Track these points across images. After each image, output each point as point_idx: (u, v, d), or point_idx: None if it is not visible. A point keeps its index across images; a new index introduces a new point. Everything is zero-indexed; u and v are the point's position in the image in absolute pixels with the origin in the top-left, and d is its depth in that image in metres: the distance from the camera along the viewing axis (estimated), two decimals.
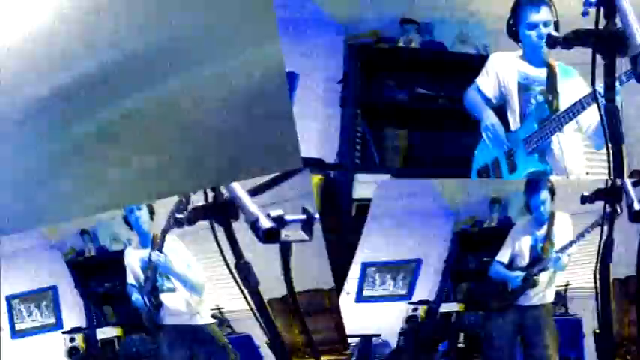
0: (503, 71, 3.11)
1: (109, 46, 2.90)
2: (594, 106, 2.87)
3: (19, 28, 2.90)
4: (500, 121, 3.08)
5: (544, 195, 3.08)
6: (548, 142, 3.00)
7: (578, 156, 3.08)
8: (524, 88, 3.07)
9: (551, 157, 3.03)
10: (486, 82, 3.12)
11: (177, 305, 3.09)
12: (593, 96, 2.81)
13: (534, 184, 3.08)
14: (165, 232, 2.96)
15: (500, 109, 3.12)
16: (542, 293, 3.09)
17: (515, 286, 3.09)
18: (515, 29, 3.04)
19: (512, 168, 3.07)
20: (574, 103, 2.92)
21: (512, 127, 3.09)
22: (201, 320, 3.11)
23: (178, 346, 3.09)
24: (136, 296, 3.08)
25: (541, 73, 3.06)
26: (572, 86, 3.03)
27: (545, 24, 2.98)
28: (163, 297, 3.07)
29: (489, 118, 3.05)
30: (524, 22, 3.02)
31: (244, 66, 2.89)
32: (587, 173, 3.16)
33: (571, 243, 3.02)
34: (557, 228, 3.07)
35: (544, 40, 2.98)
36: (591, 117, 2.92)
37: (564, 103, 3.01)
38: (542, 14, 2.98)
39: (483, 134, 3.07)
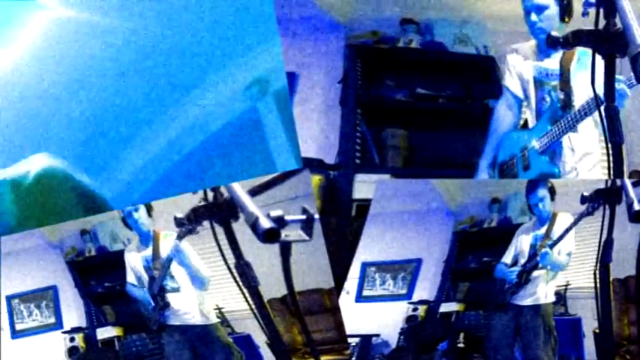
0: (519, 66, 3.08)
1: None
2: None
3: None
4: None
5: (542, 192, 3.07)
6: (560, 142, 2.99)
7: (592, 155, 3.05)
8: (538, 83, 3.05)
9: (562, 157, 3.02)
10: (512, 82, 3.11)
11: (182, 305, 3.08)
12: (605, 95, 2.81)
13: (533, 182, 3.08)
14: (179, 238, 2.95)
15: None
16: (539, 293, 3.08)
17: (510, 282, 3.09)
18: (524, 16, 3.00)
19: (526, 166, 3.05)
20: (583, 104, 2.89)
21: (530, 125, 3.07)
22: (206, 320, 3.11)
23: (182, 346, 3.09)
24: (139, 293, 3.08)
25: (553, 64, 3.01)
26: (585, 77, 2.99)
27: (539, 9, 2.92)
28: (168, 297, 3.07)
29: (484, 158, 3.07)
30: (523, 7, 2.97)
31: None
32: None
33: (560, 238, 3.01)
34: (558, 228, 3.06)
35: (538, 26, 2.93)
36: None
37: (579, 97, 2.97)
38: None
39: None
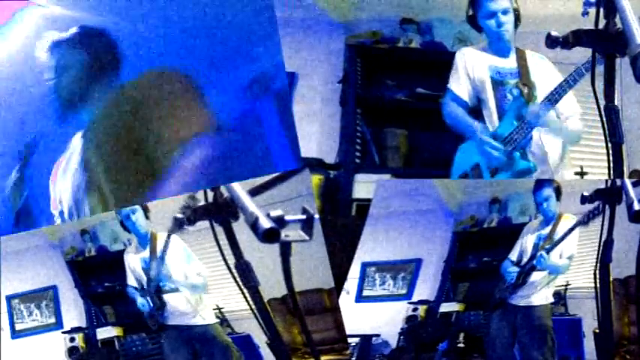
0: (473, 68, 3.11)
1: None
2: (569, 95, 2.91)
3: None
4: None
5: (547, 192, 3.07)
6: (529, 138, 3.00)
7: (559, 147, 3.07)
8: (498, 84, 3.08)
9: (532, 152, 3.03)
10: (459, 86, 3.13)
11: (180, 305, 3.08)
12: (568, 82, 2.83)
13: (540, 181, 3.08)
14: (169, 235, 2.95)
15: (477, 110, 3.13)
16: (537, 294, 3.08)
17: (510, 281, 3.09)
18: (475, 20, 3.06)
19: (493, 171, 3.07)
20: (550, 93, 2.93)
21: (490, 127, 3.08)
22: (204, 320, 3.11)
23: (181, 346, 3.09)
24: (140, 300, 3.08)
25: (511, 63, 3.08)
26: (544, 70, 3.04)
27: (504, 12, 3.03)
28: (166, 297, 3.07)
29: (484, 137, 3.06)
30: (482, 11, 3.04)
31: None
32: (586, 173, 3.16)
33: (556, 243, 3.02)
34: (561, 230, 3.06)
35: (504, 29, 3.01)
36: (569, 106, 2.94)
37: (541, 90, 3.01)
38: (500, 2, 3.01)
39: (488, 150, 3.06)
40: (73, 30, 2.82)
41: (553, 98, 2.91)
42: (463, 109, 3.12)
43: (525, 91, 3.02)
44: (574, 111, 3.02)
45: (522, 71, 3.05)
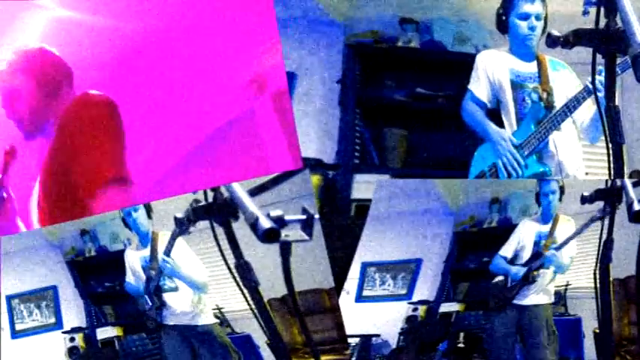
0: (493, 70, 3.11)
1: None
2: (588, 100, 2.91)
3: None
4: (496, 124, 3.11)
5: (554, 185, 3.07)
6: (546, 142, 3.01)
7: (574, 152, 3.08)
8: (517, 86, 3.08)
9: (549, 156, 3.04)
10: (479, 87, 3.13)
11: (180, 305, 3.09)
12: (588, 90, 2.85)
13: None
14: (174, 236, 2.95)
15: (496, 111, 3.13)
16: (541, 293, 3.08)
17: (515, 280, 3.08)
18: (505, 19, 3.05)
19: (509, 173, 3.08)
20: (570, 100, 2.94)
21: (508, 129, 3.09)
22: (204, 320, 3.11)
23: (181, 346, 3.09)
24: (137, 292, 3.09)
25: (531, 68, 3.08)
26: (564, 80, 3.05)
27: (537, 17, 3.01)
28: (166, 297, 3.08)
29: (500, 138, 3.06)
30: (515, 11, 3.03)
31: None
32: (586, 173, 3.16)
33: (567, 241, 3.02)
34: (560, 231, 3.06)
35: (534, 33, 3.02)
36: (584, 110, 2.95)
37: (558, 98, 3.02)
38: (536, 6, 3.01)
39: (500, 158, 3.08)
40: (8, 57, 2.81)
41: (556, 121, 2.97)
42: (482, 111, 3.12)
43: (544, 96, 3.03)
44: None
45: (542, 76, 3.04)
